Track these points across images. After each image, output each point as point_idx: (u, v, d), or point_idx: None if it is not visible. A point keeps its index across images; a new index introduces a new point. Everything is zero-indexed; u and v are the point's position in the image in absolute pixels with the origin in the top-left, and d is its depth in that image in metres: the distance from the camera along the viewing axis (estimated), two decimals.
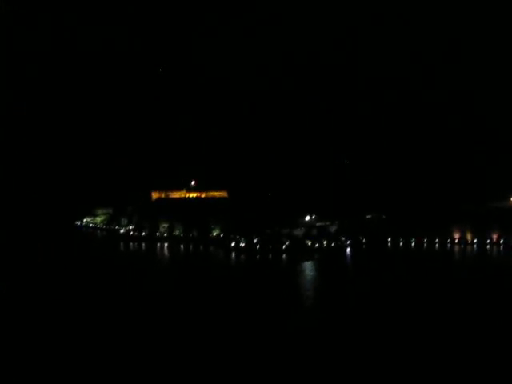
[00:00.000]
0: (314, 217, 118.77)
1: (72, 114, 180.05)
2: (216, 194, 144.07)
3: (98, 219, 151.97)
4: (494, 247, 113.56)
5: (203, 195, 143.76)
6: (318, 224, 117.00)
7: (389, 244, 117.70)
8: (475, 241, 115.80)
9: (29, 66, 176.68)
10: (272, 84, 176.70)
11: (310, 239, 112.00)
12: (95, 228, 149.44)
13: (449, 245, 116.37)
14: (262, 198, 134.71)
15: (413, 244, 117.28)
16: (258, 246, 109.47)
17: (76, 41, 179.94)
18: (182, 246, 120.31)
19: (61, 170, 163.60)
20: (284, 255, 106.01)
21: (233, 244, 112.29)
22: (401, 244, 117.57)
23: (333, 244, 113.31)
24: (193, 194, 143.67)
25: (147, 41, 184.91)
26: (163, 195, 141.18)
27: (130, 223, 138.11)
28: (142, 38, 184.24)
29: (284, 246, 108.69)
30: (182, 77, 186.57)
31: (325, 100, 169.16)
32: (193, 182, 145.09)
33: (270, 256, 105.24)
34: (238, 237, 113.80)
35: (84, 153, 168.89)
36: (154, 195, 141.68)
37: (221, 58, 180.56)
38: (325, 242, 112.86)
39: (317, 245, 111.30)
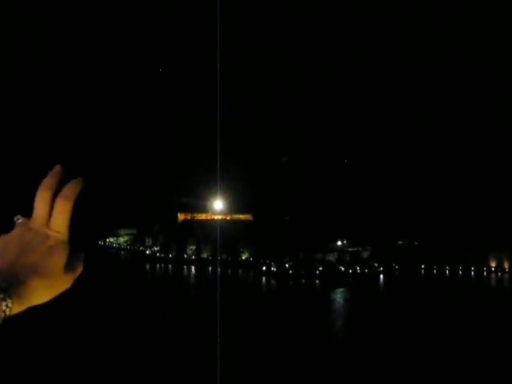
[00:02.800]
0: (345, 242, 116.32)
1: (100, 130, 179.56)
2: (241, 216, 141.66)
3: (122, 239, 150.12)
4: None
5: (228, 218, 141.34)
6: (350, 249, 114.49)
7: (422, 271, 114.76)
8: None
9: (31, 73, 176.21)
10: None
11: (343, 265, 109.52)
12: (119, 248, 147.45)
13: (485, 273, 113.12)
14: (288, 221, 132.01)
15: (447, 272, 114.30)
16: (290, 271, 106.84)
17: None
18: (210, 269, 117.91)
19: (83, 188, 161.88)
20: (317, 281, 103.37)
21: (264, 268, 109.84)
22: (435, 272, 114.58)
23: (366, 270, 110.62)
24: (218, 217, 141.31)
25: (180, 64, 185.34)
26: (189, 217, 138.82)
27: (154, 244, 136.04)
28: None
29: (317, 272, 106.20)
30: (210, 105, 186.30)
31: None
32: (218, 205, 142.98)
33: (303, 281, 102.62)
34: (268, 261, 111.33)
35: (108, 171, 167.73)
36: (181, 217, 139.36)
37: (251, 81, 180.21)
38: (358, 268, 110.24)
39: (350, 271, 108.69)
